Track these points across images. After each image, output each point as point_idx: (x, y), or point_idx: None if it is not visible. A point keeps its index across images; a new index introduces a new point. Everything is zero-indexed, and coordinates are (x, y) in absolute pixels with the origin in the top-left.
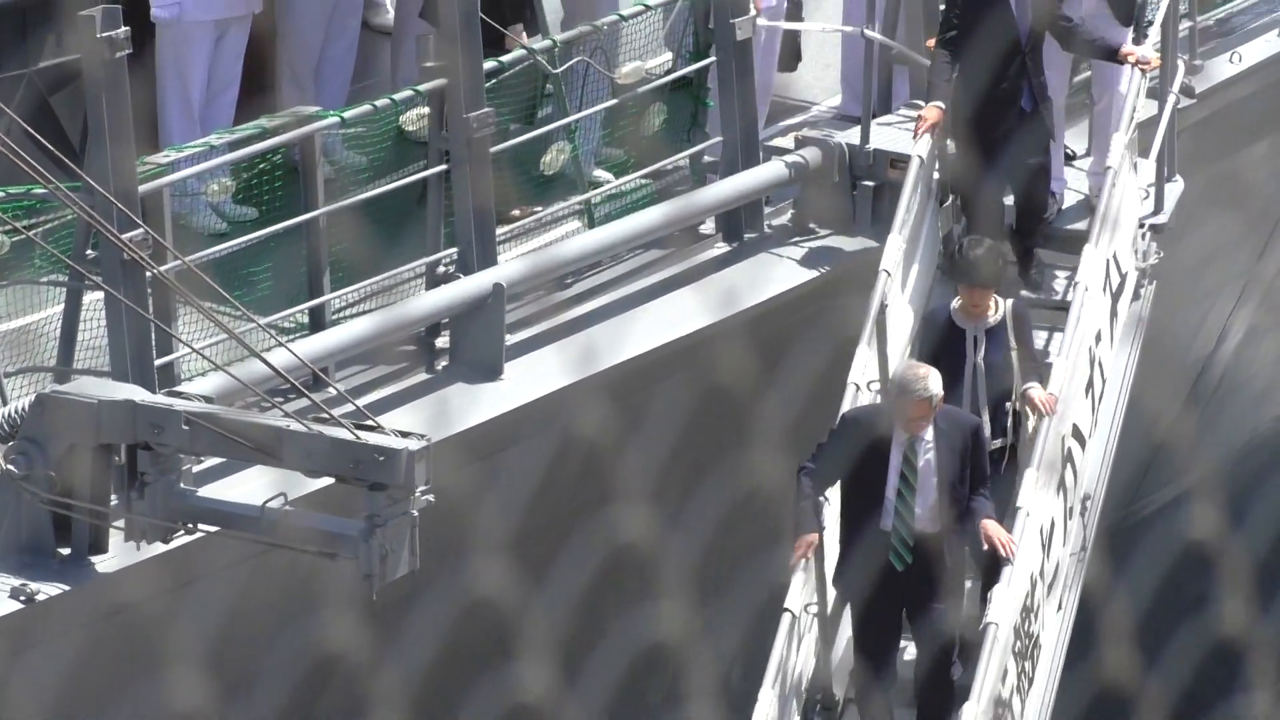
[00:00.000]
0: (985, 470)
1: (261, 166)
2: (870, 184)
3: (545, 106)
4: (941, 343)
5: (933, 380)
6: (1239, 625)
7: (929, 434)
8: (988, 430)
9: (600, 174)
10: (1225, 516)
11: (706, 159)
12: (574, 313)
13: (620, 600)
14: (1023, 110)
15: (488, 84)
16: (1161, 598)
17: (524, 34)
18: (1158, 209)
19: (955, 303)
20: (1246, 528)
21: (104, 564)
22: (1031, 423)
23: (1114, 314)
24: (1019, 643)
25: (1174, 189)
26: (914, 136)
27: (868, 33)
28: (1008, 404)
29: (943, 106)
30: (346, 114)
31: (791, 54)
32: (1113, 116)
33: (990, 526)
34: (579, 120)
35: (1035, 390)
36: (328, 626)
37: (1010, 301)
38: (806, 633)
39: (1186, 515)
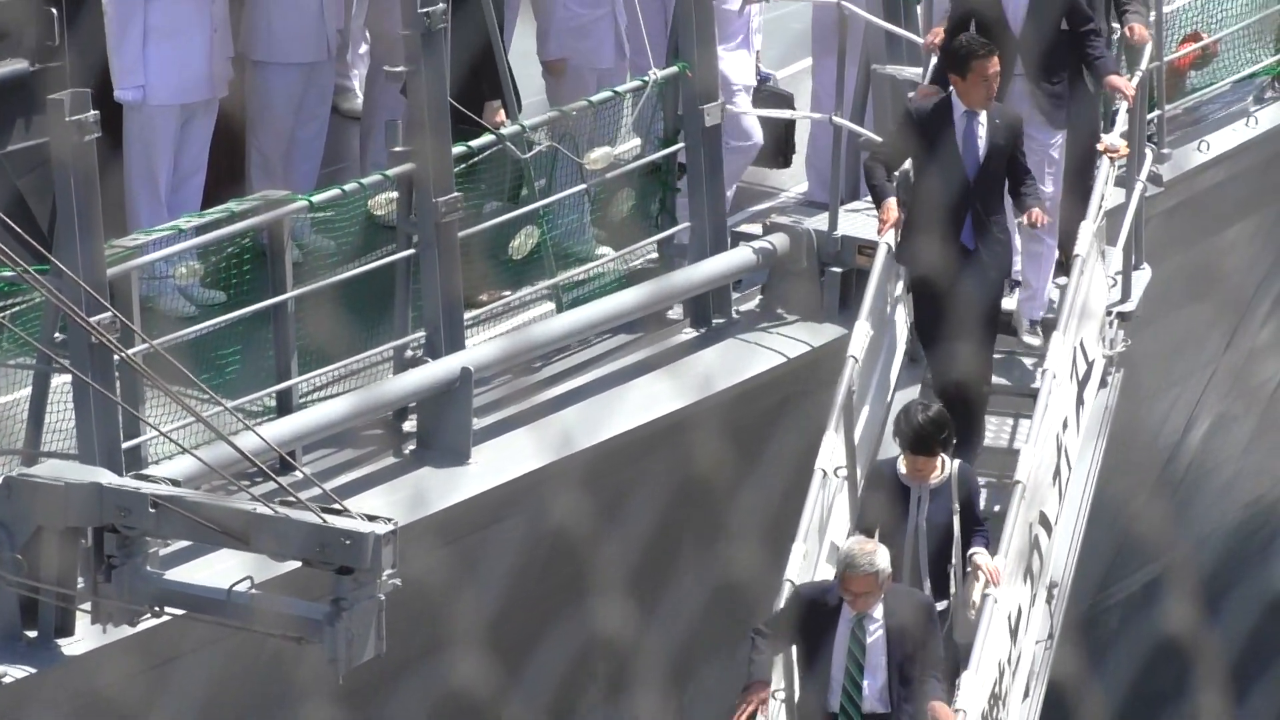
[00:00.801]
0: (939, 652)
1: (230, 250)
2: (838, 270)
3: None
4: (886, 499)
5: (880, 556)
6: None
7: (878, 611)
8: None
9: (602, 250)
10: (1198, 607)
11: (675, 244)
12: (542, 397)
13: (594, 687)
14: (964, 248)
15: (466, 164)
16: (1136, 689)
17: (502, 111)
18: (1125, 297)
19: (901, 462)
20: (1221, 621)
21: (71, 647)
22: (978, 590)
23: (1080, 401)
24: None
25: (1141, 277)
26: (878, 234)
27: (836, 119)
28: (949, 566)
29: (895, 202)
30: (315, 198)
31: (782, 150)
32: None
33: (939, 709)
34: (556, 203)
35: (982, 557)
36: (299, 711)
37: (957, 463)
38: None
39: (1159, 606)
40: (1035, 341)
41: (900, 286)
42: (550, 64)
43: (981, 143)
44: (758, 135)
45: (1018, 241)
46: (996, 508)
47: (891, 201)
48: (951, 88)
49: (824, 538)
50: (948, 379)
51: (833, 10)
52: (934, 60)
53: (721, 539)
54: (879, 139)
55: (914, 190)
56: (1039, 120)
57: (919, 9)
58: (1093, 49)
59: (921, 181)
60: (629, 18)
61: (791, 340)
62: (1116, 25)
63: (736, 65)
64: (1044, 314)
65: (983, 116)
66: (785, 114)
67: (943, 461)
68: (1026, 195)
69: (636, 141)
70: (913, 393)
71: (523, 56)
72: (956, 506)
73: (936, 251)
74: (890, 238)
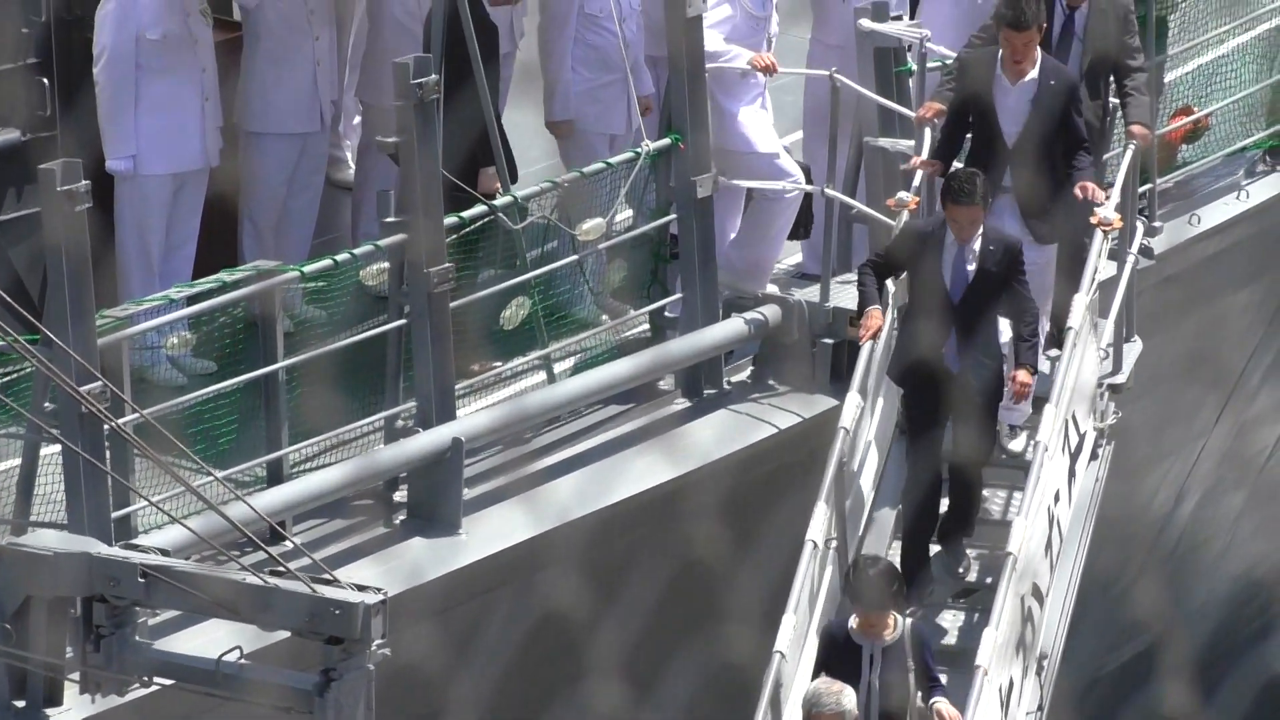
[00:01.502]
0: None
1: (221, 320)
2: (829, 342)
3: (532, 249)
4: (838, 659)
5: (846, 697)
6: None
7: None
8: None
9: (614, 305)
10: (1192, 684)
11: (667, 315)
12: (533, 468)
13: None
14: (949, 371)
15: (458, 235)
16: None
17: (495, 179)
18: (1116, 369)
19: (853, 619)
20: (1216, 703)
21: (60, 717)
22: None
23: (1072, 474)
24: None
25: (1133, 349)
26: (859, 341)
27: (828, 191)
28: None
29: (878, 311)
30: (307, 268)
31: (802, 220)
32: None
33: None
34: (551, 273)
35: (944, 705)
36: None
37: (910, 620)
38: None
39: (1153, 681)
40: (1016, 447)
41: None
42: (556, 125)
43: (971, 266)
44: (799, 174)
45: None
46: (989, 580)
47: (875, 310)
48: None
49: (815, 610)
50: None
51: (825, 83)
52: (928, 133)
53: (714, 612)
54: (871, 211)
55: (906, 306)
56: (1026, 236)
57: (911, 82)
58: (1077, 163)
59: (910, 298)
60: (649, 85)
61: (783, 411)
62: (1115, 100)
63: (756, 124)
64: (1023, 420)
65: (976, 243)
66: (777, 185)
67: (895, 619)
68: (1022, 346)
69: (630, 213)
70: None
71: (517, 125)
72: (910, 664)
73: (920, 372)
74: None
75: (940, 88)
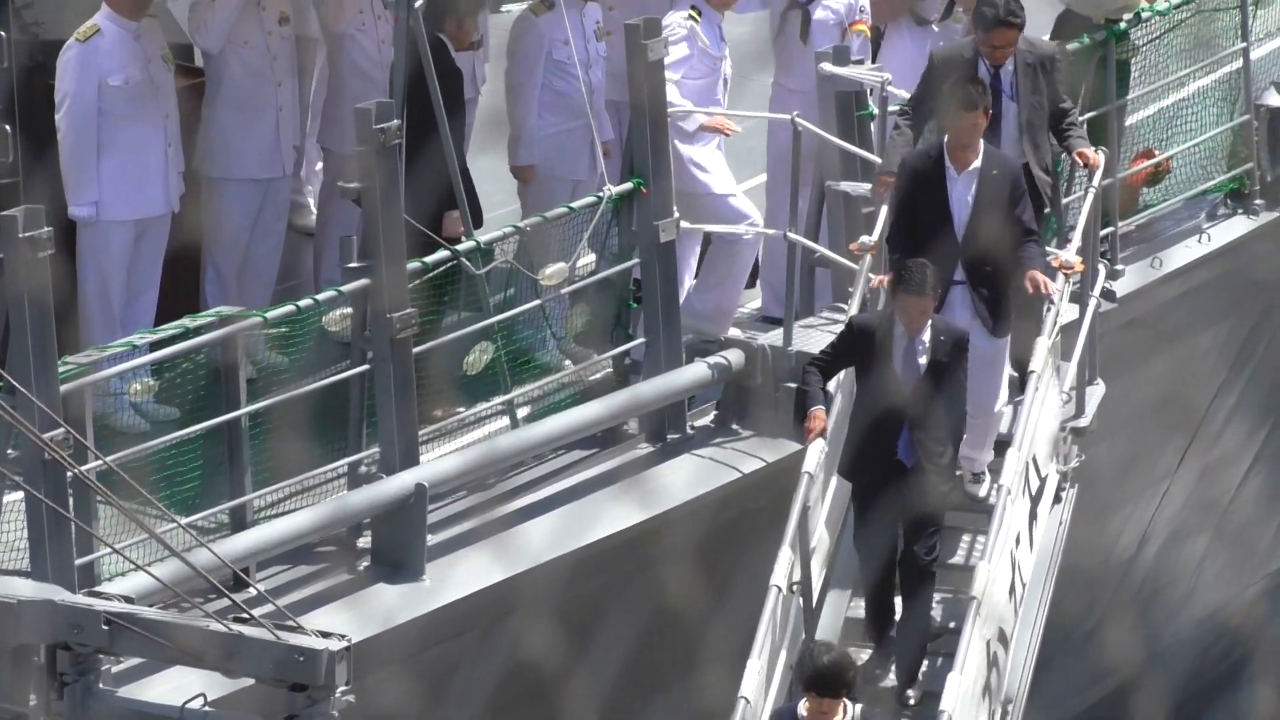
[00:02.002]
0: None
1: (184, 366)
2: (793, 386)
3: (495, 294)
4: None
5: None
6: None
7: None
8: None
9: (577, 350)
10: None
11: (630, 360)
12: (497, 513)
13: None
14: (900, 464)
15: (421, 280)
16: None
17: (459, 224)
18: (1079, 412)
19: (803, 705)
20: None
21: None
22: None
23: (1034, 517)
24: None
25: (1095, 392)
26: (804, 442)
27: (790, 235)
28: None
29: (822, 411)
30: (269, 314)
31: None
32: (987, 432)
33: None
34: (514, 317)
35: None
36: None
37: (859, 706)
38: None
39: None
40: (980, 493)
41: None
42: (519, 170)
43: (923, 359)
44: (756, 215)
45: None
46: (952, 624)
47: (818, 410)
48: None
49: (780, 655)
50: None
51: (788, 127)
52: (884, 205)
53: (686, 658)
54: (833, 255)
55: (856, 400)
56: (979, 328)
57: (873, 126)
58: (1024, 254)
59: (860, 392)
60: (612, 131)
61: (747, 456)
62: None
63: (711, 166)
64: (984, 466)
65: (926, 335)
66: (739, 228)
67: (845, 706)
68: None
69: (593, 257)
70: None
71: (479, 171)
72: None
73: (870, 465)
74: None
75: (891, 143)
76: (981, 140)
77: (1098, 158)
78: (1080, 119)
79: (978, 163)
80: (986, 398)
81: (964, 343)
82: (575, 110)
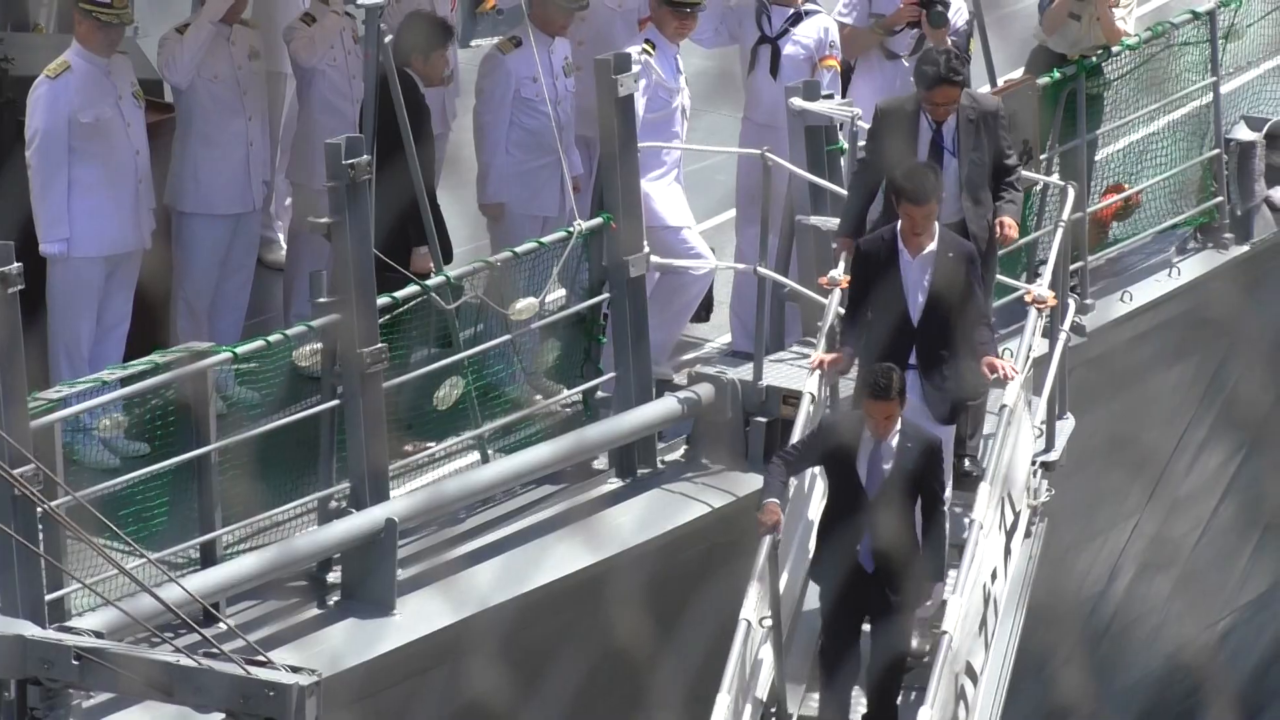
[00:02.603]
0: None
1: (154, 402)
2: (763, 420)
3: (465, 329)
4: None
5: None
6: None
7: None
8: None
9: (547, 385)
10: None
11: (600, 394)
12: (467, 547)
13: None
14: (864, 571)
15: (391, 315)
16: None
17: (429, 259)
18: (1049, 447)
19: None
20: None
21: None
22: None
23: (1007, 551)
24: None
25: (1065, 427)
26: (758, 532)
27: (760, 270)
28: None
29: (776, 505)
30: (239, 349)
31: (704, 303)
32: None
33: None
34: (484, 352)
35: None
36: None
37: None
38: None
39: None
40: (920, 648)
41: None
42: (487, 208)
43: (887, 465)
44: (708, 253)
45: None
46: (924, 658)
47: (772, 504)
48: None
49: (749, 690)
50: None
51: (757, 162)
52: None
53: (638, 698)
54: (803, 289)
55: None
56: (926, 414)
57: (842, 160)
58: (979, 338)
59: (828, 496)
60: (582, 167)
61: (716, 490)
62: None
63: (667, 199)
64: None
65: (894, 439)
66: (710, 264)
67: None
68: (929, 549)
69: (562, 292)
70: None
71: (446, 207)
72: None
73: (834, 569)
74: (814, 384)
75: (846, 205)
76: (937, 224)
77: (1013, 232)
78: (1022, 176)
79: (932, 246)
80: None
81: (935, 451)
82: (545, 147)
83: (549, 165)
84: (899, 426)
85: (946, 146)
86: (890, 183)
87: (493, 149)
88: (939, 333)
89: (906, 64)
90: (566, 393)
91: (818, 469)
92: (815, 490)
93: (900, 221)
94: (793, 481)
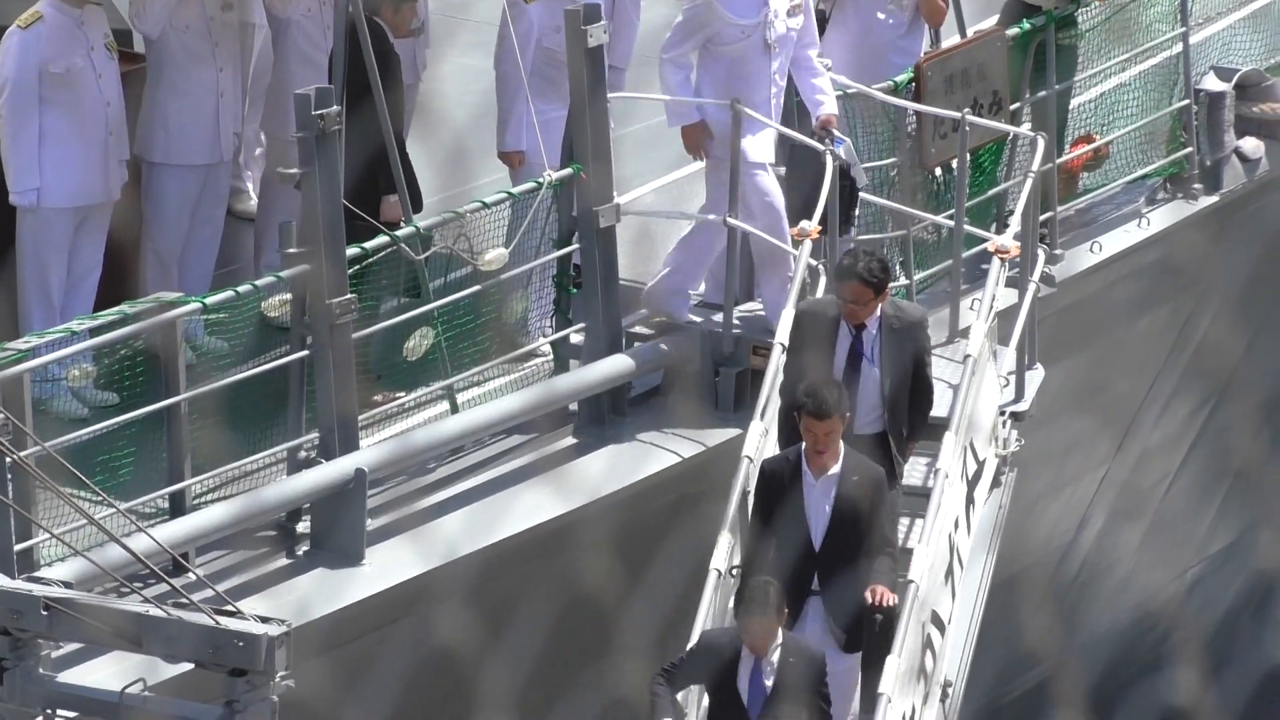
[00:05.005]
0: None
1: (123, 352)
2: (733, 370)
3: (435, 279)
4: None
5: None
6: None
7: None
8: None
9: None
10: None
11: (570, 344)
12: (436, 497)
13: None
14: None
15: (360, 266)
16: None
17: (398, 208)
18: (1018, 397)
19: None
20: None
21: None
22: None
23: (970, 501)
24: None
25: (1034, 377)
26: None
27: (730, 221)
28: None
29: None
30: (208, 300)
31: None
32: None
33: None
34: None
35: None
36: None
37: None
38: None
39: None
40: None
41: None
42: (507, 155)
43: (768, 681)
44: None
45: None
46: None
47: None
48: None
49: None
50: None
51: (727, 113)
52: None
53: (606, 647)
54: (774, 240)
55: None
56: (831, 643)
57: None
58: (877, 566)
59: (709, 713)
60: None
61: (686, 440)
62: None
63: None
64: None
65: (775, 655)
66: (679, 215)
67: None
68: None
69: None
70: None
71: (415, 157)
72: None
73: None
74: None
75: (782, 387)
76: (842, 443)
77: (890, 599)
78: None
79: (837, 468)
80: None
81: (820, 667)
82: (564, 98)
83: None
84: (779, 641)
85: (866, 354)
86: (792, 398)
87: (513, 97)
88: (843, 558)
89: (882, 16)
90: (536, 342)
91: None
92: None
93: (804, 443)
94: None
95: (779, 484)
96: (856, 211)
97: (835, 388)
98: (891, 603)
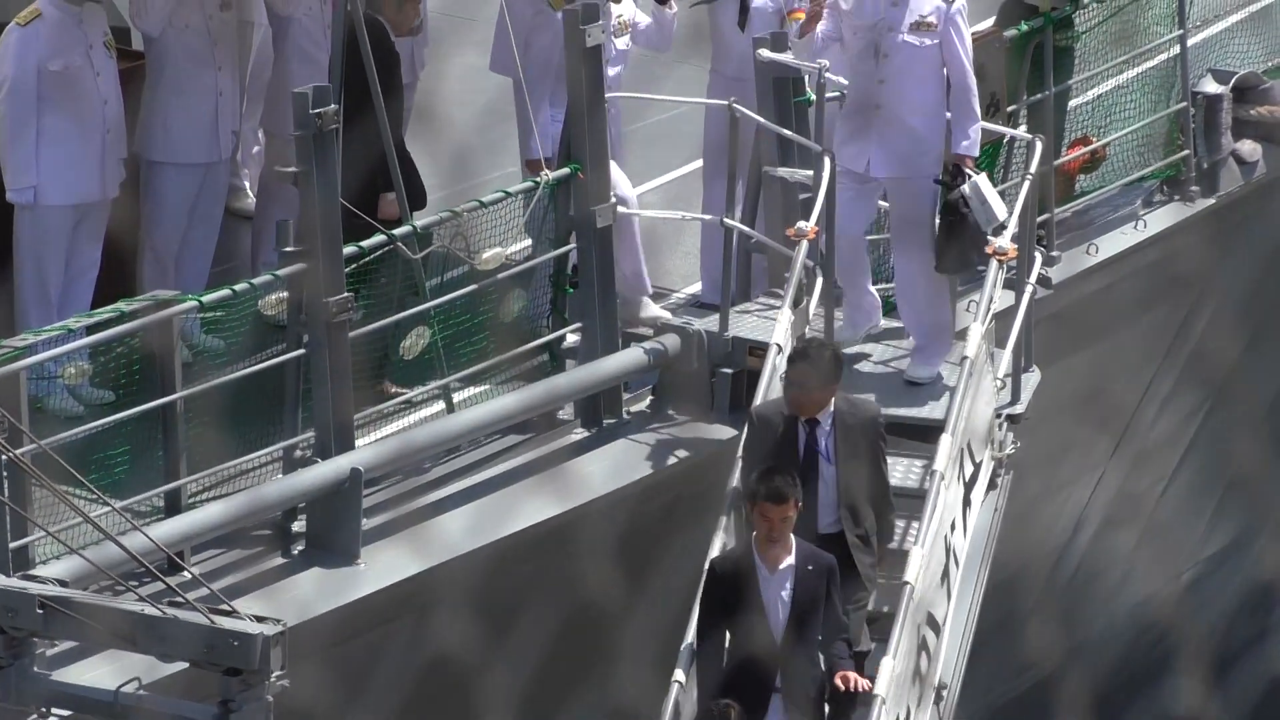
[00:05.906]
0: None
1: (119, 350)
2: (729, 371)
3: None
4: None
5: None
6: None
7: None
8: None
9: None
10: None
11: (566, 345)
12: (432, 497)
13: None
14: None
15: (357, 264)
16: None
17: (396, 206)
18: (1014, 399)
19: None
20: None
21: None
22: None
23: (967, 503)
24: None
25: (1031, 379)
26: None
27: (727, 221)
28: None
29: None
30: (205, 298)
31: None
32: None
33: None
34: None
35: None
36: None
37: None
38: None
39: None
40: None
41: None
42: (531, 163)
43: None
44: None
45: None
46: (885, 608)
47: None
48: None
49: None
50: None
51: (724, 114)
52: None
53: (608, 651)
54: (769, 241)
55: None
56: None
57: (810, 112)
58: (838, 653)
59: None
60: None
61: (683, 441)
62: None
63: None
64: None
65: None
66: (676, 215)
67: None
68: None
69: (529, 242)
70: None
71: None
72: None
73: None
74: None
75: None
76: (792, 536)
77: (863, 685)
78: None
79: (790, 559)
80: None
81: None
82: None
83: None
84: None
85: (822, 452)
86: (745, 486)
87: (537, 105)
88: (803, 649)
89: None
90: (533, 343)
91: None
92: None
93: (754, 533)
94: None
95: (730, 584)
96: (975, 255)
97: (788, 474)
98: (866, 688)
